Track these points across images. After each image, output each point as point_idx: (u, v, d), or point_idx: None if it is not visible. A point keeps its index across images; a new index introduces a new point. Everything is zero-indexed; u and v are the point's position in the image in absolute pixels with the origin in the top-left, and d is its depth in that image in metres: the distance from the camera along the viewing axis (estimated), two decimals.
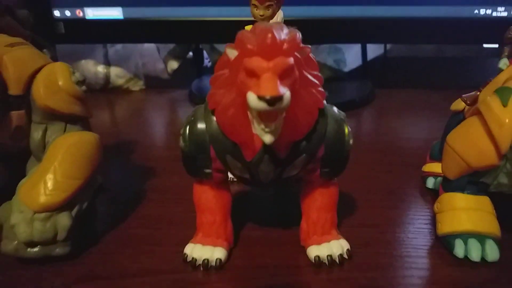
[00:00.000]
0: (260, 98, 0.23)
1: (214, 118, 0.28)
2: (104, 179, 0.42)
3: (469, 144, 0.32)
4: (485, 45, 0.79)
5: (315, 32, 0.66)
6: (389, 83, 0.77)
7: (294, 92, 0.25)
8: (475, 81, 0.39)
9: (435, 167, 0.41)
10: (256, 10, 0.32)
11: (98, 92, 0.76)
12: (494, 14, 0.64)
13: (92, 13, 0.69)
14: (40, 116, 0.33)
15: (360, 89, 0.72)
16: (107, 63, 0.78)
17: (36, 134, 0.33)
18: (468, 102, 0.36)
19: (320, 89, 0.28)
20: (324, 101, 0.29)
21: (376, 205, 0.40)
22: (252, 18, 0.33)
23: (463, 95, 0.36)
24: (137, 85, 0.78)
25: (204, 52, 0.80)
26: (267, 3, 0.31)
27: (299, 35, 0.25)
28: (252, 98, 0.23)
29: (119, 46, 0.79)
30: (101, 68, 0.77)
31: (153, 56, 0.79)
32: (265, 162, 0.28)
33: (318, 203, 0.32)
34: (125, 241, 0.35)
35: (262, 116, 0.25)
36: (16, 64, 0.32)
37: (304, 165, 0.29)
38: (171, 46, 0.78)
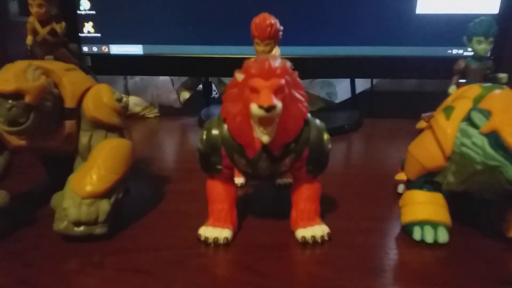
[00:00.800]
0: (260, 107, 0.32)
1: (225, 126, 0.38)
2: (129, 184, 0.51)
3: (423, 150, 0.41)
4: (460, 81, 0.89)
5: (309, 68, 0.76)
6: (375, 113, 0.86)
7: (285, 105, 0.34)
8: None
9: (404, 175, 0.50)
10: (258, 46, 0.42)
11: None
12: (465, 53, 0.74)
13: (116, 49, 0.80)
14: (87, 125, 0.43)
15: (349, 117, 0.81)
16: (127, 93, 0.88)
17: (84, 139, 0.42)
18: (426, 119, 0.45)
19: (305, 104, 0.37)
20: (308, 114, 0.38)
21: (354, 204, 0.48)
22: (255, 54, 0.43)
23: (423, 115, 0.45)
24: (153, 113, 0.88)
25: (213, 85, 0.91)
26: (266, 41, 0.41)
27: (289, 64, 0.34)
28: (254, 107, 0.33)
29: (137, 78, 0.89)
30: None
31: (167, 88, 0.89)
32: (263, 159, 0.37)
33: (305, 196, 0.41)
34: (149, 226, 0.43)
35: (261, 121, 0.34)
36: (72, 84, 0.42)
37: (293, 163, 0.38)
38: (183, 79, 0.88)
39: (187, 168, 0.59)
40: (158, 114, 0.88)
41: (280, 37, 0.43)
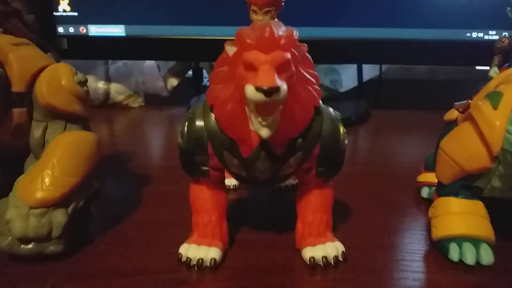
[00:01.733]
0: (258, 89, 0.24)
1: (213, 115, 0.29)
2: (101, 185, 0.42)
3: (462, 147, 0.32)
4: (477, 68, 0.81)
5: (311, 52, 0.68)
6: (384, 103, 0.78)
7: (290, 87, 0.25)
8: None
9: (429, 177, 0.42)
10: (255, 15, 0.34)
11: (98, 108, 0.77)
12: (486, 37, 0.66)
13: (95, 30, 0.71)
14: (41, 114, 0.34)
15: (356, 108, 0.73)
16: (108, 79, 0.79)
17: (36, 131, 0.34)
18: (460, 109, 0.36)
19: (316, 87, 0.29)
20: (320, 101, 0.29)
21: (370, 212, 0.40)
22: None
23: (456, 103, 0.37)
24: (137, 102, 0.79)
25: (204, 71, 0.82)
26: (266, 9, 0.33)
27: (296, 32, 0.26)
28: (250, 89, 0.24)
29: (120, 63, 0.80)
30: (101, 84, 0.78)
31: (153, 74, 0.80)
32: (261, 159, 0.29)
33: (314, 204, 0.33)
34: (120, 241, 0.35)
35: (260, 109, 0.25)
36: (20, 62, 0.33)
37: (300, 164, 0.30)
38: (171, 64, 0.80)
39: (172, 165, 0.50)
40: (143, 104, 0.80)
41: (283, 5, 0.35)
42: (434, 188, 0.38)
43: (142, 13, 0.69)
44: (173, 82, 0.79)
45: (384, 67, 0.82)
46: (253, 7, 0.33)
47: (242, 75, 0.25)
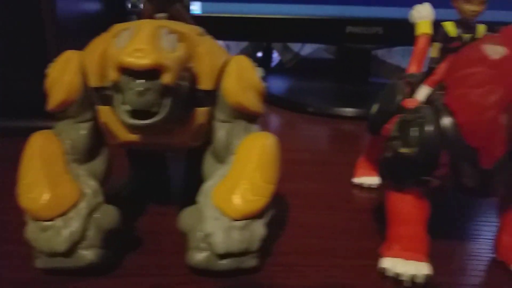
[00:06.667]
0: None
1: (449, 120, 0.26)
2: None
3: None
4: None
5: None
6: None
7: None
8: None
9: None
10: (467, 5, 0.30)
11: None
12: None
13: None
14: (226, 114, 0.30)
15: None
16: None
17: (221, 133, 0.30)
18: None
19: None
20: None
21: None
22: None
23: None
24: None
25: (274, 52, 0.78)
26: None
27: None
28: None
29: None
30: None
31: None
32: (505, 171, 0.26)
33: None
34: (303, 252, 0.32)
35: None
36: (210, 56, 0.29)
37: None
38: (243, 44, 0.75)
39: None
40: None
41: None
42: None
43: None
44: None
45: None
46: None
47: None
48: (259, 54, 0.77)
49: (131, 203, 0.37)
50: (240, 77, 0.30)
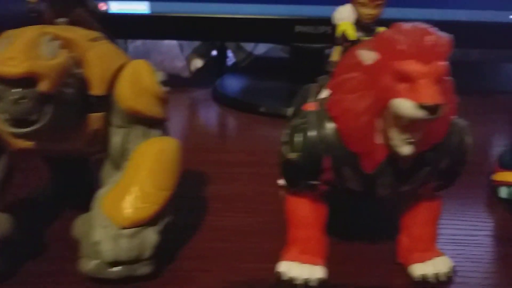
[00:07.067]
0: (421, 106, 0.21)
1: (331, 126, 0.26)
2: None
3: None
4: None
5: None
6: None
7: None
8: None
9: (508, 176, 0.40)
10: (363, 8, 0.30)
11: None
12: None
13: (117, 7, 0.65)
14: (121, 119, 0.30)
15: None
16: None
17: (116, 138, 0.30)
18: None
19: (452, 95, 0.26)
20: None
21: (450, 215, 0.38)
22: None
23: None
24: None
25: (229, 52, 0.77)
26: (379, 2, 0.29)
27: (451, 37, 0.23)
28: (407, 105, 0.21)
29: (139, 42, 0.75)
30: None
31: (171, 53, 0.75)
32: (386, 174, 0.26)
33: (422, 218, 0.30)
34: (205, 256, 0.32)
35: (410, 126, 0.22)
36: (102, 61, 0.28)
37: (426, 179, 0.27)
38: (195, 44, 0.75)
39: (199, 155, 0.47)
40: None
41: None
42: None
43: None
44: (198, 63, 0.74)
45: None
46: None
47: (390, 87, 0.22)
48: (214, 53, 0.77)
49: (47, 208, 0.37)
50: (134, 82, 0.29)
